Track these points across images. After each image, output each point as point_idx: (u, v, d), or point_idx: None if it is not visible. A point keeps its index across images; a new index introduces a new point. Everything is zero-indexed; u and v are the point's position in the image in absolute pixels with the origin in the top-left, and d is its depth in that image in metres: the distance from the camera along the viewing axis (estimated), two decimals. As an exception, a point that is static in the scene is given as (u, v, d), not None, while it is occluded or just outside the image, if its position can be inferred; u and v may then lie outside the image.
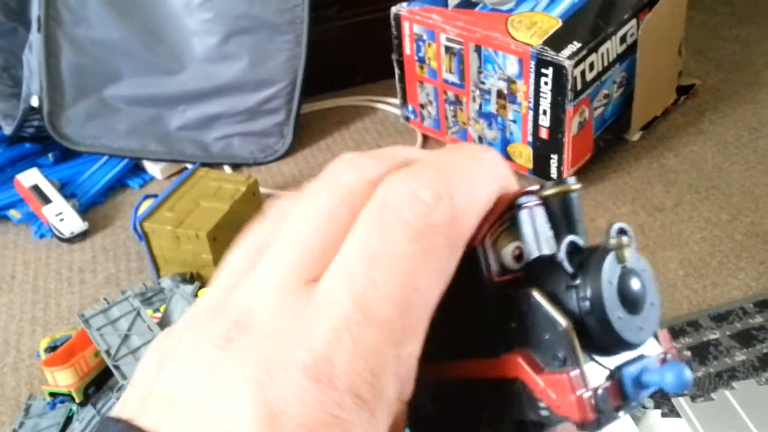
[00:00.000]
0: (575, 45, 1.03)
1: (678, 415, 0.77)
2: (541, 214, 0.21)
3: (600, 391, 0.19)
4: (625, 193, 1.11)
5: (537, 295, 0.20)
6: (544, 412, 0.19)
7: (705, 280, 0.94)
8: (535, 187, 0.21)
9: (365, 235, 0.19)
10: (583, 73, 1.04)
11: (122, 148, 1.17)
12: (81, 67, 1.14)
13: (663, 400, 0.79)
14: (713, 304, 0.90)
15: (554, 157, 1.10)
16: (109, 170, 1.19)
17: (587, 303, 0.19)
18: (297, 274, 0.19)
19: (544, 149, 1.10)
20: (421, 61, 1.18)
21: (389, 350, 0.18)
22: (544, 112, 1.07)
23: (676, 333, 0.86)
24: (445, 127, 1.23)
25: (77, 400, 0.77)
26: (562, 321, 0.19)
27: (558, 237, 0.21)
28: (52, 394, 0.79)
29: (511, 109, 1.11)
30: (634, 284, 0.20)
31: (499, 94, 1.11)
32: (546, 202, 0.21)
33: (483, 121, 1.16)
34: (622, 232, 0.20)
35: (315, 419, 0.17)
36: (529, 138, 1.11)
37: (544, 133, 1.09)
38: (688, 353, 0.84)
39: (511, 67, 1.07)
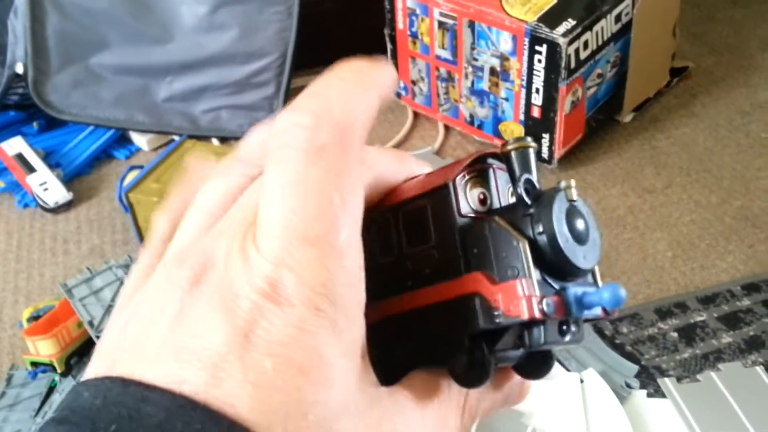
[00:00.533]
0: (570, 22, 1.02)
1: (663, 396, 0.77)
2: (504, 177, 0.25)
3: (547, 299, 0.22)
4: (616, 175, 1.10)
5: (498, 219, 0.23)
6: (497, 319, 0.22)
7: (693, 262, 0.94)
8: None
9: (271, 177, 0.21)
10: (577, 51, 1.03)
11: (108, 118, 1.15)
12: (67, 34, 1.12)
13: (648, 381, 0.79)
14: (701, 286, 0.90)
15: (546, 137, 1.09)
16: (94, 140, 1.17)
17: (540, 225, 0.22)
18: (240, 226, 0.21)
19: (535, 128, 1.09)
20: (414, 36, 1.17)
21: (332, 262, 0.20)
22: (537, 91, 1.06)
23: (663, 314, 0.86)
24: (436, 104, 1.21)
25: (59, 371, 0.76)
26: (518, 237, 0.22)
27: (516, 183, 0.24)
28: (34, 364, 0.78)
29: (503, 87, 1.10)
30: (579, 219, 0.23)
31: (492, 71, 1.10)
32: (508, 154, 0.24)
33: (475, 98, 1.15)
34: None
35: (283, 334, 0.19)
36: (521, 116, 1.10)
37: (536, 112, 1.08)
38: (675, 334, 0.84)
39: (505, 43, 1.06)
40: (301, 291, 0.19)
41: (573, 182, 0.24)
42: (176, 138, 1.13)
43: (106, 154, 1.20)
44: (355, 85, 0.23)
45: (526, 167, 0.24)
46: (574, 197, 0.23)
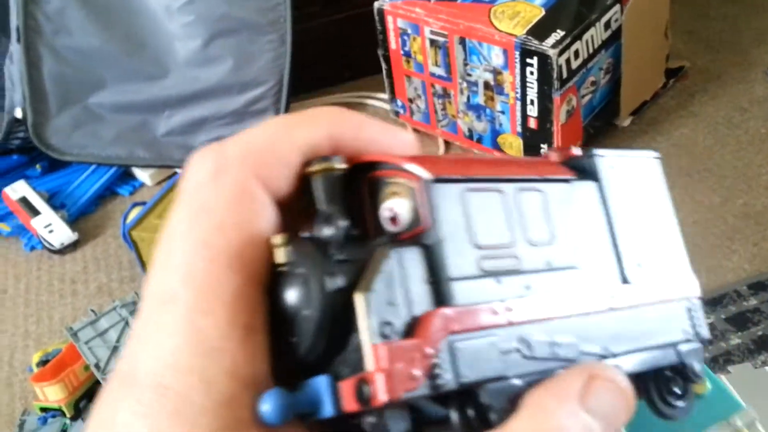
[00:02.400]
0: (559, 33, 1.02)
1: (674, 403, 0.76)
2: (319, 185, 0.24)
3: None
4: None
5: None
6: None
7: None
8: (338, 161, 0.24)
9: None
10: (568, 61, 1.03)
11: (110, 156, 1.16)
12: (63, 76, 1.14)
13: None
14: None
15: (544, 147, 1.09)
16: (97, 179, 1.19)
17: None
18: None
19: (533, 139, 1.10)
20: (407, 55, 1.17)
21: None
22: (532, 102, 1.06)
23: (670, 320, 0.86)
24: (434, 120, 1.22)
25: (68, 415, 0.77)
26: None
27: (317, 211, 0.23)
28: (44, 409, 0.79)
29: (498, 101, 1.10)
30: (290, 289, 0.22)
31: (486, 85, 1.11)
32: (309, 178, 0.23)
33: (472, 113, 1.15)
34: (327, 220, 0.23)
35: None
36: (519, 128, 1.10)
37: (532, 123, 1.08)
38: (684, 339, 0.84)
39: (496, 58, 1.06)
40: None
41: (279, 239, 0.22)
42: (178, 171, 1.14)
43: (110, 191, 1.21)
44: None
45: (329, 197, 0.23)
46: (281, 259, 0.22)
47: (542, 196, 0.25)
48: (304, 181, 0.23)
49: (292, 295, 0.22)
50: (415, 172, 0.22)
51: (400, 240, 0.23)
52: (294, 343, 0.22)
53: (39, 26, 1.11)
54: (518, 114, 1.09)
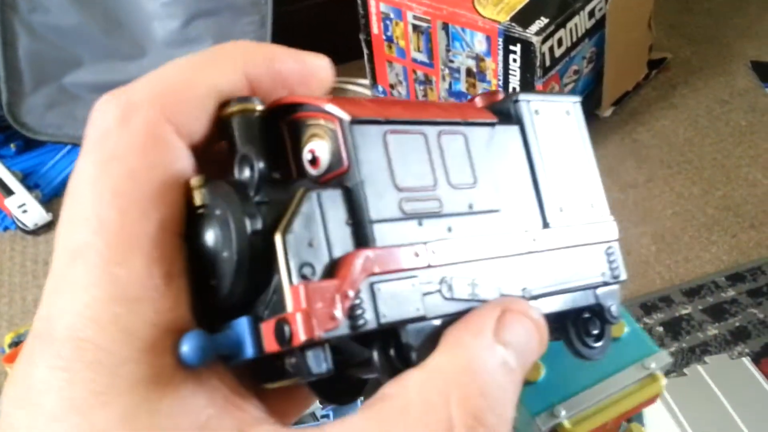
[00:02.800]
0: (543, 21, 1.01)
1: (650, 392, 0.76)
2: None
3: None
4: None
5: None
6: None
7: (677, 255, 0.94)
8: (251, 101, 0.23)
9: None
10: (551, 49, 1.02)
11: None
12: (39, 55, 1.11)
13: (635, 378, 0.78)
14: (686, 279, 0.90)
15: (525, 135, 1.09)
16: (72, 159, 1.16)
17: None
18: None
19: (514, 127, 1.09)
20: (389, 40, 1.16)
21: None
22: (514, 90, 1.06)
23: (648, 309, 0.86)
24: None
25: (39, 397, 0.75)
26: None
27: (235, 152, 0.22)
28: (14, 391, 0.77)
29: (480, 87, 1.10)
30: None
31: (469, 72, 1.10)
32: (227, 121, 0.22)
33: (453, 100, 1.15)
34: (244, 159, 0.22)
35: None
36: (500, 116, 1.10)
37: (514, 111, 1.07)
38: (661, 329, 0.84)
39: (479, 44, 1.06)
40: None
41: (196, 180, 0.22)
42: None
43: (85, 173, 1.19)
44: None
45: (247, 139, 0.22)
46: (199, 201, 0.22)
47: (465, 140, 0.25)
48: (220, 124, 0.23)
49: (210, 237, 0.21)
50: (335, 113, 0.22)
51: (322, 182, 0.22)
52: (215, 285, 0.21)
53: (15, 3, 1.08)
54: (500, 102, 1.08)
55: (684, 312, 0.86)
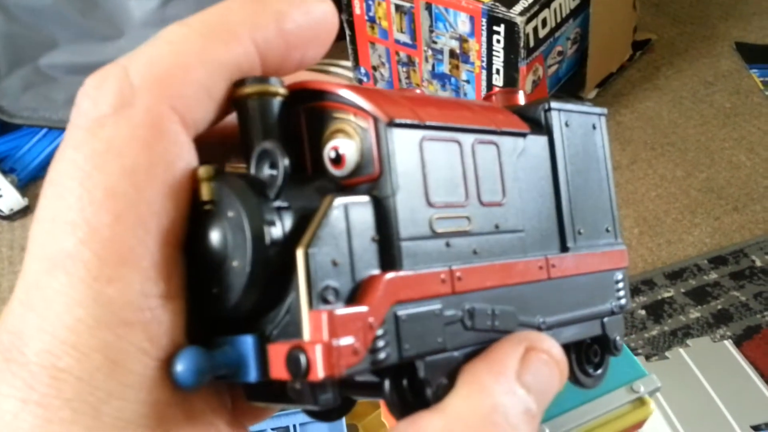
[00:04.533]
0: (527, 1, 1.00)
1: (632, 376, 0.76)
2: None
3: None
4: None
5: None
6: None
7: (660, 237, 0.94)
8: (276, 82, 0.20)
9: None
10: (535, 29, 1.01)
11: (62, 120, 1.12)
12: (13, 36, 1.09)
13: (617, 361, 0.78)
14: (668, 262, 0.90)
15: (509, 117, 1.08)
16: (49, 143, 1.14)
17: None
18: None
19: (498, 109, 1.08)
20: (372, 21, 1.14)
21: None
22: (498, 71, 1.05)
23: (631, 292, 0.86)
24: (398, 89, 1.19)
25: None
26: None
27: (250, 144, 0.20)
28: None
29: (464, 69, 1.08)
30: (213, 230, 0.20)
31: (452, 53, 1.08)
32: (241, 103, 0.20)
33: (436, 82, 1.13)
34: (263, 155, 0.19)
35: None
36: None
37: (498, 93, 1.06)
38: (643, 312, 0.84)
39: (463, 25, 1.04)
40: None
41: (204, 171, 0.19)
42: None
43: (61, 157, 1.17)
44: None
45: (266, 127, 0.20)
46: (207, 196, 0.19)
47: (497, 151, 0.23)
48: (234, 104, 0.20)
49: (218, 240, 0.19)
50: (370, 111, 0.20)
51: (345, 185, 0.20)
52: (217, 294, 0.19)
53: (-14, -19, 1.06)
54: (483, 83, 1.07)
55: (667, 295, 0.85)
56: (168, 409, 0.18)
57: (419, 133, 0.21)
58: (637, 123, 1.14)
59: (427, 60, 1.12)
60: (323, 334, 0.17)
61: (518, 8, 0.99)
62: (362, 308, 0.18)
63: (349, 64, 1.24)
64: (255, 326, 0.19)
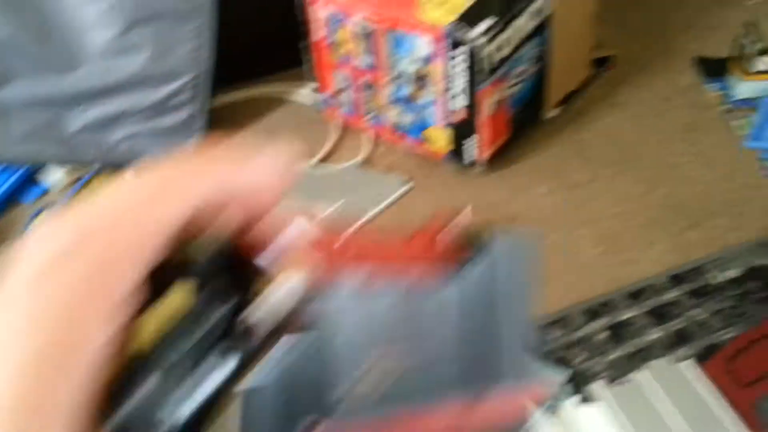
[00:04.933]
0: (487, 23, 1.01)
1: (594, 401, 0.77)
2: None
3: None
4: (542, 172, 1.10)
5: None
6: None
7: (620, 256, 0.94)
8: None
9: None
10: (496, 50, 1.02)
11: (17, 157, 1.10)
12: (-32, 70, 1.07)
13: (579, 387, 0.78)
14: (628, 281, 0.90)
15: (471, 140, 1.08)
16: (5, 179, 1.12)
17: None
18: None
19: (460, 132, 1.09)
20: (333, 46, 1.14)
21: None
22: (459, 94, 1.05)
23: (592, 314, 0.86)
24: (360, 114, 1.20)
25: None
26: None
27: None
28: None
29: (425, 93, 1.09)
30: None
31: (413, 77, 1.09)
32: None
33: (399, 105, 1.14)
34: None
35: None
36: (445, 121, 1.09)
37: (459, 116, 1.07)
38: (604, 334, 0.84)
39: (423, 48, 1.05)
40: None
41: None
42: (87, 173, 1.09)
43: (13, 199, 1.13)
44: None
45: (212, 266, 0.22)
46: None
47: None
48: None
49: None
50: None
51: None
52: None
53: (-62, 16, 1.04)
54: (445, 106, 1.08)
55: (628, 316, 0.86)
56: None
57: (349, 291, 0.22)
58: (598, 140, 1.15)
59: (388, 84, 1.12)
60: None
61: (478, 30, 1.00)
62: None
63: (309, 90, 1.24)
64: None
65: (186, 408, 0.19)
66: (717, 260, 0.91)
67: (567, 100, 1.21)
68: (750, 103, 1.18)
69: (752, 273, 0.89)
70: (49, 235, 0.20)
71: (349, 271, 0.22)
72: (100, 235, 0.20)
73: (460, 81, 1.04)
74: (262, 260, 0.22)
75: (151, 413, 0.19)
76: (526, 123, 1.16)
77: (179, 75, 1.15)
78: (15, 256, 0.20)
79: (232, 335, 0.20)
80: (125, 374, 0.19)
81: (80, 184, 0.99)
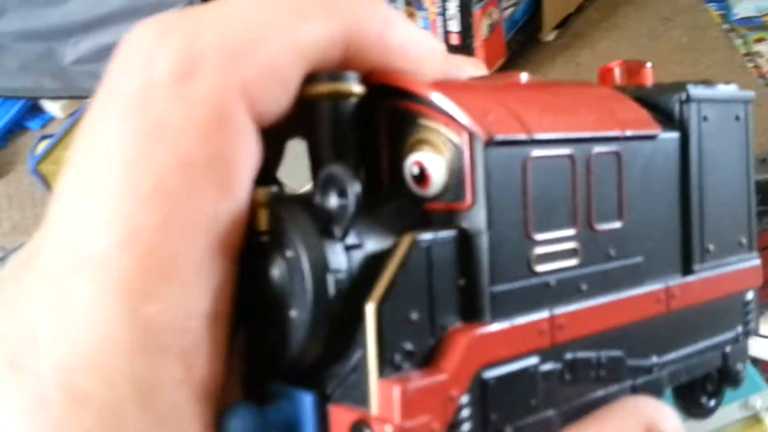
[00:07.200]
0: (478, -57, 0.99)
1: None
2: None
3: None
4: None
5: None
6: None
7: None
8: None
9: None
10: (488, -28, 1.00)
11: (15, 88, 1.10)
12: (-42, 4, 1.06)
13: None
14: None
15: (467, 63, 1.07)
16: (4, 113, 1.13)
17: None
18: None
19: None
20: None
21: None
22: (453, 17, 1.04)
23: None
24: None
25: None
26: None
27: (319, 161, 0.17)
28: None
29: (419, 16, 1.07)
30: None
31: (406, 0, 1.07)
32: (317, 102, 0.17)
33: (393, 31, 1.12)
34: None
35: None
36: (441, 45, 1.08)
37: (454, 39, 1.06)
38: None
39: (416, -29, 1.03)
40: None
41: (262, 195, 0.16)
42: (89, 101, 1.09)
43: (20, 126, 1.16)
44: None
45: (338, 136, 0.17)
46: (264, 225, 0.16)
47: (617, 162, 0.19)
48: (303, 102, 0.17)
49: (277, 283, 0.16)
50: (467, 125, 0.16)
51: (428, 210, 0.17)
52: (273, 341, 0.16)
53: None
54: (440, 30, 1.06)
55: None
56: None
57: (524, 151, 0.17)
58: (596, 63, 1.13)
59: (382, 9, 1.11)
60: (394, 413, 0.15)
61: (469, -49, 0.98)
62: (441, 377, 0.16)
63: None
64: (315, 379, 0.16)
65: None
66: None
67: (565, 22, 1.19)
68: (751, 22, 1.16)
69: (748, 188, 0.89)
70: (159, 46, 0.15)
71: (522, 126, 0.17)
72: (216, 57, 0.15)
73: (453, 3, 1.02)
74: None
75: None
76: (524, 46, 1.14)
77: (171, 4, 1.13)
78: (119, 55, 0.16)
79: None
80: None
81: (82, 109, 0.99)
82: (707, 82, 0.23)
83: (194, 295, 0.15)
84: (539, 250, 0.17)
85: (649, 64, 0.23)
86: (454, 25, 1.04)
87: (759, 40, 1.12)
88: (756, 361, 0.66)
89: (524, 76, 0.20)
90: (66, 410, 0.14)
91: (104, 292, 0.15)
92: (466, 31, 1.04)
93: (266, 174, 0.17)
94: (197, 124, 0.15)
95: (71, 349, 0.15)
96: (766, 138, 0.97)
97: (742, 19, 1.16)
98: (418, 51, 0.18)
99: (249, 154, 0.16)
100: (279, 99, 0.16)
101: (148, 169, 0.15)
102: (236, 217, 0.16)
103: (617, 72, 0.23)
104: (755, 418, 0.39)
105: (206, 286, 0.15)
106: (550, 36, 1.18)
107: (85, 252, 0.15)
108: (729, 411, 0.40)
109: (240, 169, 0.16)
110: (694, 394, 0.24)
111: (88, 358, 0.14)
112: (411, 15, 1.08)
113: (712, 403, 0.24)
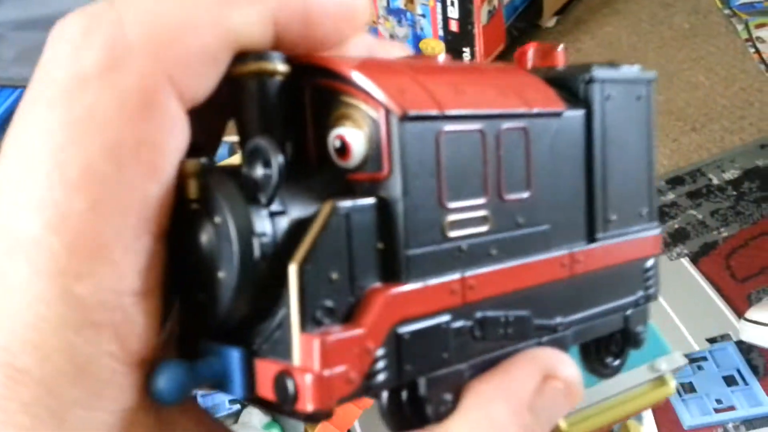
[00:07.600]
0: (478, -72, 0.98)
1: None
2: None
3: None
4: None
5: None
6: None
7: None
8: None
9: None
10: (488, -42, 0.99)
11: (12, 78, 1.09)
12: (-46, -7, 1.06)
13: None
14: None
15: (467, 50, 1.07)
16: (1, 102, 1.12)
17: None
18: None
19: (455, 43, 1.07)
20: (324, -42, 1.12)
21: None
22: (452, 3, 1.03)
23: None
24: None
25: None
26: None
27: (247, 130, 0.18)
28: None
29: (419, 3, 1.07)
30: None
31: (406, -13, 1.07)
32: (240, 80, 0.18)
33: (392, 17, 1.12)
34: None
35: None
36: (440, 32, 1.07)
37: (454, 26, 1.05)
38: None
39: (415, -43, 1.02)
40: None
41: (191, 166, 0.17)
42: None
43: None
44: None
45: (264, 112, 0.18)
46: (194, 194, 0.17)
47: (525, 137, 0.21)
48: (229, 82, 0.18)
49: (205, 247, 0.17)
50: (382, 101, 0.18)
51: (349, 180, 0.18)
52: (202, 302, 0.17)
53: None
54: (439, 17, 1.06)
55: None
56: (138, 417, 0.17)
57: (437, 126, 0.18)
58: (597, 49, 1.13)
59: (381, -4, 1.10)
60: (314, 363, 0.16)
61: (469, -64, 0.97)
62: (358, 331, 0.17)
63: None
64: (243, 337, 0.18)
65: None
66: (715, 162, 0.91)
67: (565, 8, 1.19)
68: (753, 7, 1.15)
69: (750, 174, 0.89)
70: (87, 37, 0.15)
71: (433, 103, 0.18)
72: (143, 44, 0.15)
73: (455, -10, 1.01)
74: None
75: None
76: (524, 33, 1.14)
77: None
78: (49, 48, 0.16)
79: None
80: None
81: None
82: (612, 64, 0.24)
83: (124, 273, 0.16)
84: (452, 217, 0.19)
85: (561, 47, 0.24)
86: (454, 12, 1.03)
87: (760, 26, 1.12)
88: (753, 348, 0.66)
89: (442, 57, 0.22)
90: (4, 385, 0.15)
91: (38, 274, 0.15)
92: (466, 17, 1.03)
93: (205, 155, 0.18)
94: (125, 112, 0.16)
95: (8, 329, 0.15)
96: (766, 124, 0.96)
97: (743, 4, 1.16)
98: (342, 12, 0.19)
99: (177, 138, 0.16)
100: (208, 82, 0.17)
101: (76, 155, 0.15)
102: (164, 197, 0.16)
103: (531, 54, 0.24)
104: (661, 380, 0.41)
105: (136, 265, 0.16)
106: (550, 22, 1.17)
107: (19, 235, 0.16)
108: (637, 373, 0.42)
109: (167, 153, 0.16)
110: (600, 354, 0.26)
111: (23, 336, 0.15)
112: (411, 2, 1.07)
113: (617, 363, 0.26)
